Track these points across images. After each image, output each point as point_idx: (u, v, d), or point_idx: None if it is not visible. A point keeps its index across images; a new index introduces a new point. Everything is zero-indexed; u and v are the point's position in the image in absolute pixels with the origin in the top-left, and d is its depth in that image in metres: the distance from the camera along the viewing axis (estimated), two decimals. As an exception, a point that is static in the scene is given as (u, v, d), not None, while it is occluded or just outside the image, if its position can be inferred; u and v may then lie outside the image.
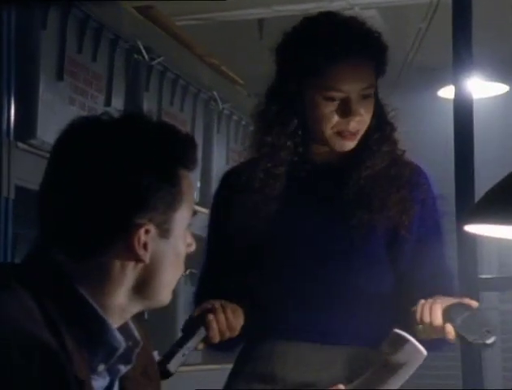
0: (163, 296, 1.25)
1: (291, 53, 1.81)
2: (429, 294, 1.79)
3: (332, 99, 1.77)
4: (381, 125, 1.84)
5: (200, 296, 1.88)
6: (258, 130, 1.88)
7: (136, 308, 1.25)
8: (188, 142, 1.26)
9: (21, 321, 1.12)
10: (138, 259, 1.20)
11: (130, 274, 1.21)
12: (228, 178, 1.93)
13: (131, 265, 1.20)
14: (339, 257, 1.81)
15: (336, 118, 1.78)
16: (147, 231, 1.19)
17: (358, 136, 1.81)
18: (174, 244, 1.23)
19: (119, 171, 1.18)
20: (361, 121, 1.80)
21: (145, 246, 1.20)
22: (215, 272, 1.89)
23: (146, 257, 1.20)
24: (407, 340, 1.55)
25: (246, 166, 1.88)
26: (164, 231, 1.21)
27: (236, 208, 1.83)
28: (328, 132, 1.80)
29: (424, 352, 1.58)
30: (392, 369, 1.57)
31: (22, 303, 1.14)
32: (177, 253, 1.24)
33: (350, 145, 1.81)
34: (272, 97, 1.85)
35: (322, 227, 1.82)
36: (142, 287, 1.22)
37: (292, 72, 1.81)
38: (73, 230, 1.19)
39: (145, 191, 1.18)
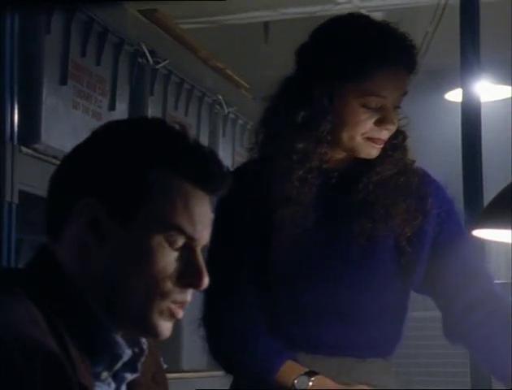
0: (134, 307, 1.17)
1: (328, 55, 1.73)
2: (464, 302, 1.78)
3: (369, 106, 1.72)
4: (395, 133, 1.79)
5: (211, 320, 1.80)
6: (280, 134, 1.76)
7: (116, 322, 1.19)
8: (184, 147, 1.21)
9: (26, 327, 1.11)
10: (87, 245, 1.18)
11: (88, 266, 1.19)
12: (243, 182, 1.76)
13: (84, 253, 1.18)
14: (347, 270, 1.78)
15: (370, 125, 1.73)
16: (93, 208, 1.17)
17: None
18: (142, 236, 1.17)
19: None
20: (392, 130, 1.76)
21: (96, 228, 1.17)
22: (229, 289, 1.79)
23: (95, 243, 1.17)
24: None
25: (261, 171, 1.78)
26: (124, 218, 1.17)
27: (265, 218, 1.75)
28: (358, 138, 1.74)
29: None
30: None
31: (27, 309, 1.13)
32: (145, 251, 1.17)
33: (378, 151, 1.77)
34: (296, 100, 1.75)
35: (336, 236, 1.79)
36: (104, 287, 1.18)
37: (328, 75, 1.73)
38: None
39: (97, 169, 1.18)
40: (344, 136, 1.75)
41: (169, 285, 1.18)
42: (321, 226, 1.79)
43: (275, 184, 1.75)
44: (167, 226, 1.18)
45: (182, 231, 1.18)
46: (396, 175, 1.79)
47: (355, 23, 1.77)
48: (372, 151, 1.76)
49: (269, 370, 1.73)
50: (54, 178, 1.23)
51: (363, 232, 1.76)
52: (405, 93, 1.77)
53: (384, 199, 1.77)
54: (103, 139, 1.22)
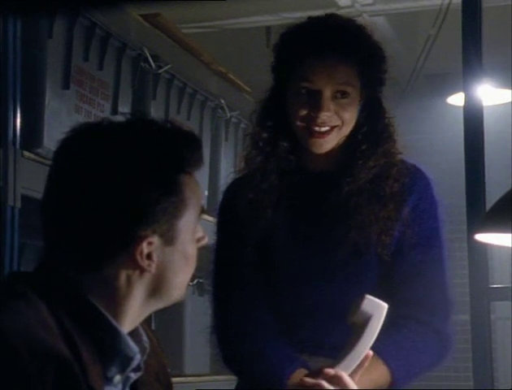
0: (177, 295, 1.27)
1: (276, 49, 1.82)
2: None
3: (305, 91, 1.75)
4: (372, 134, 1.79)
5: (223, 326, 1.83)
6: (252, 135, 1.86)
7: (150, 310, 1.26)
8: (189, 145, 1.25)
9: (36, 331, 1.12)
10: (143, 270, 1.21)
11: (139, 284, 1.22)
12: (230, 191, 1.92)
13: (136, 275, 1.21)
14: (325, 273, 1.79)
15: (305, 111, 1.75)
16: (150, 243, 1.20)
17: (331, 137, 1.76)
18: (181, 249, 1.24)
19: (119, 185, 1.18)
20: (332, 118, 1.75)
21: (149, 257, 1.20)
22: (238, 293, 1.82)
23: (152, 267, 1.21)
24: (364, 297, 1.61)
25: (245, 179, 1.86)
26: (169, 240, 1.22)
27: (237, 224, 1.82)
28: (299, 125, 1.76)
29: (383, 303, 1.61)
30: (359, 329, 1.61)
31: (39, 313, 1.15)
32: (186, 257, 1.25)
33: (321, 144, 1.76)
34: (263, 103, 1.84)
35: (309, 241, 1.80)
36: (154, 292, 1.24)
37: (277, 69, 1.81)
38: (75, 243, 1.19)
39: (145, 204, 1.18)
40: (293, 128, 1.77)
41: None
42: (298, 231, 1.81)
43: (241, 190, 1.83)
44: (195, 230, 1.26)
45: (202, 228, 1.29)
46: (372, 181, 1.76)
47: (307, 21, 1.81)
48: (314, 144, 1.76)
49: (281, 378, 1.74)
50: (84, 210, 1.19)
51: (339, 240, 1.76)
52: (346, 83, 1.75)
53: (359, 208, 1.75)
54: (124, 165, 1.20)
